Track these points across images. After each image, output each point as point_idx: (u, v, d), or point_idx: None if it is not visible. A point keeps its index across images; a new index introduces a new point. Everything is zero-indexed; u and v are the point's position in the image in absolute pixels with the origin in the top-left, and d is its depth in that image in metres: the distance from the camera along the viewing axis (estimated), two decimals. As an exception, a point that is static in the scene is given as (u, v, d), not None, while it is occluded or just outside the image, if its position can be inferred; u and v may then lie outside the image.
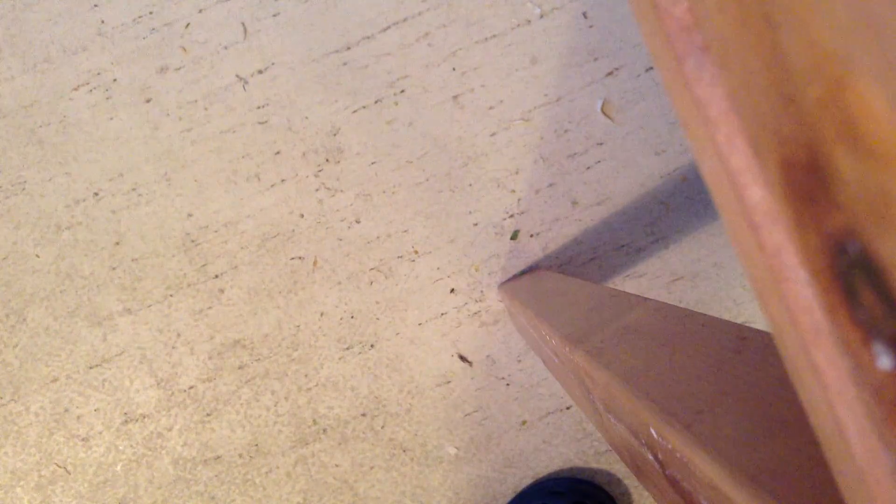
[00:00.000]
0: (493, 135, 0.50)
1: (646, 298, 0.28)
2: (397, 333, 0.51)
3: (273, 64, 0.49)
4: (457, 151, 0.50)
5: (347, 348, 0.51)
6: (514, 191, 0.51)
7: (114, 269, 0.50)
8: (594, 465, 0.53)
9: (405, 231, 0.51)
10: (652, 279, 0.52)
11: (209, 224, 0.50)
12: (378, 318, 0.51)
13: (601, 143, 0.51)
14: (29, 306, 0.50)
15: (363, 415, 0.52)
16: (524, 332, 0.44)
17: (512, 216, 0.51)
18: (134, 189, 0.49)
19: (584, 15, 0.49)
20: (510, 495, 0.53)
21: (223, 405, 0.51)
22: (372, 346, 0.51)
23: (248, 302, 0.50)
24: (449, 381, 0.52)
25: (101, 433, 0.51)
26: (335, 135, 0.50)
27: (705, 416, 0.16)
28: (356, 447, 0.52)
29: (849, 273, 0.07)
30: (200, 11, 0.48)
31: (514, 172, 0.50)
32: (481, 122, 0.50)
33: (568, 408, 0.53)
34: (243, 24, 0.48)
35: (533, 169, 0.51)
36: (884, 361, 0.07)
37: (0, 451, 0.50)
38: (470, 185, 0.50)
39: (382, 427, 0.52)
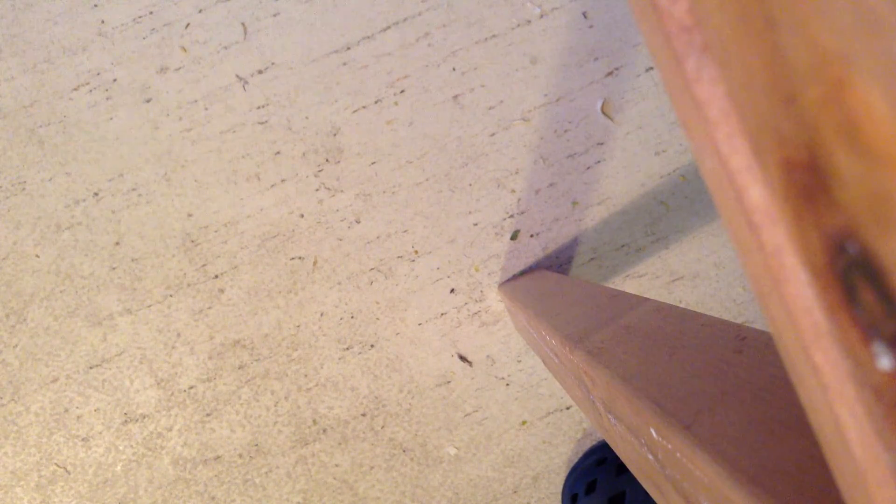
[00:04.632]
0: (493, 135, 0.50)
1: (646, 298, 0.28)
2: (397, 333, 0.51)
3: (273, 64, 0.49)
4: (457, 151, 0.50)
5: (347, 348, 0.51)
6: (514, 191, 0.51)
7: (114, 269, 0.50)
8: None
9: (405, 231, 0.51)
10: (652, 279, 0.52)
11: (209, 224, 0.50)
12: (378, 318, 0.51)
13: (601, 143, 0.51)
14: (29, 306, 0.50)
15: (363, 415, 0.52)
16: (524, 332, 0.44)
17: (512, 216, 0.51)
18: (134, 189, 0.49)
19: (584, 15, 0.49)
20: (510, 495, 0.53)
21: (223, 405, 0.51)
22: (372, 346, 0.51)
23: (248, 302, 0.50)
24: (449, 381, 0.52)
25: (101, 433, 0.51)
26: (335, 135, 0.50)
27: (705, 416, 0.16)
28: (356, 447, 0.52)
29: (849, 273, 0.07)
30: (200, 11, 0.48)
31: (514, 172, 0.50)
32: (481, 122, 0.50)
33: (568, 408, 0.53)
34: (243, 24, 0.48)
35: (533, 169, 0.51)
36: (884, 361, 0.07)
37: (0, 451, 0.50)
38: (470, 185, 0.50)
39: (382, 427, 0.52)
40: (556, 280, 0.43)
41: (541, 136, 0.50)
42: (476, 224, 0.51)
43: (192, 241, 0.50)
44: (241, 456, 0.51)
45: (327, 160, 0.50)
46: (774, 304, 0.08)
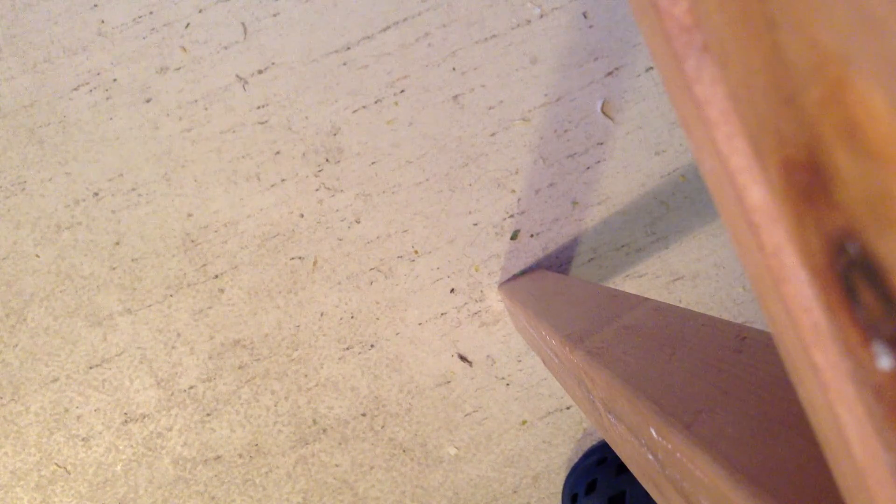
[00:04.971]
0: (493, 135, 0.50)
1: (646, 298, 0.28)
2: (397, 333, 0.51)
3: (273, 64, 0.49)
4: (457, 151, 0.50)
5: (347, 348, 0.51)
6: (514, 191, 0.51)
7: (114, 269, 0.50)
8: (594, 465, 0.53)
9: (405, 231, 0.51)
10: (652, 279, 0.52)
11: (209, 224, 0.50)
12: (378, 318, 0.51)
13: (601, 143, 0.51)
14: (29, 306, 0.50)
15: (363, 415, 0.52)
16: (524, 332, 0.44)
17: (512, 216, 0.51)
18: (134, 189, 0.49)
19: (584, 15, 0.49)
20: (510, 495, 0.53)
21: (223, 405, 0.51)
22: (372, 346, 0.51)
23: (248, 302, 0.50)
24: (449, 381, 0.52)
25: (101, 433, 0.51)
26: (335, 135, 0.50)
27: (705, 416, 0.16)
28: (356, 447, 0.52)
29: (849, 273, 0.07)
30: (200, 11, 0.48)
31: (514, 172, 0.50)
32: (481, 122, 0.50)
33: (568, 408, 0.53)
34: (243, 24, 0.48)
35: (533, 169, 0.51)
36: (884, 361, 0.07)
37: (0, 451, 0.50)
38: (470, 185, 0.50)
39: (382, 427, 0.52)
40: (556, 280, 0.43)
41: (541, 136, 0.50)
42: (476, 224, 0.51)
43: (192, 241, 0.50)
44: (241, 456, 0.51)
45: (327, 160, 0.50)
46: (774, 304, 0.08)
